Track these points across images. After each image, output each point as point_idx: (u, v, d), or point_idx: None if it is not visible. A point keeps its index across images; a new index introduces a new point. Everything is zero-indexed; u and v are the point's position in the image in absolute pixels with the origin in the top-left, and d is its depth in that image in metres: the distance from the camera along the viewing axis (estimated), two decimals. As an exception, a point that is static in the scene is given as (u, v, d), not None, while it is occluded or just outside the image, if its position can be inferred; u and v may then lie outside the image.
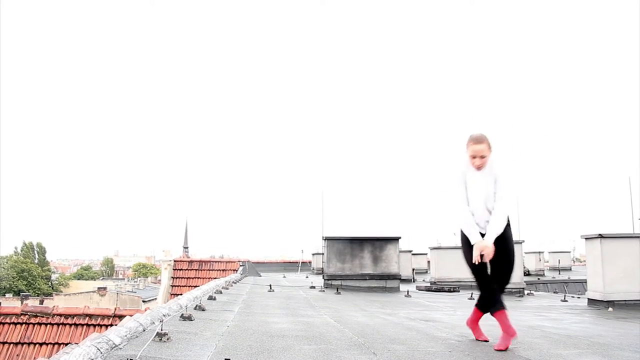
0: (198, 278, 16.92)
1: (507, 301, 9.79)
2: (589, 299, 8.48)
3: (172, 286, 16.93)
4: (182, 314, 4.25)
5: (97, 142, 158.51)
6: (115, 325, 3.39)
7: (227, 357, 2.66)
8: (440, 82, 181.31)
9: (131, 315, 3.83)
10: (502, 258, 3.65)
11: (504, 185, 3.64)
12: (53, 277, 70.91)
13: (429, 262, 19.27)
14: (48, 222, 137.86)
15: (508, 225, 3.75)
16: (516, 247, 13.11)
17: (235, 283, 10.84)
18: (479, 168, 3.66)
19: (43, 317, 9.39)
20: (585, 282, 9.74)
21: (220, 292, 7.49)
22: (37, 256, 68.97)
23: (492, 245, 3.56)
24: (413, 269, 17.98)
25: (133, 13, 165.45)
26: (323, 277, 11.72)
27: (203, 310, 5.00)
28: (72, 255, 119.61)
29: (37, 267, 63.41)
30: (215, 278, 12.81)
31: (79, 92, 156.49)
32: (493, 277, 3.68)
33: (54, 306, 9.88)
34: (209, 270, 17.64)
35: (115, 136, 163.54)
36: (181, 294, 6.88)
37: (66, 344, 7.01)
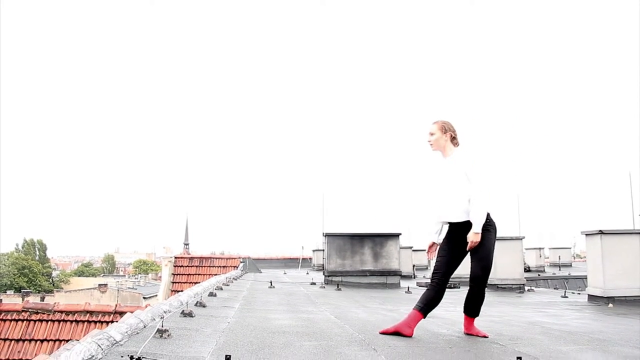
0: (199, 275, 16.88)
1: (508, 297, 9.73)
2: (589, 295, 8.49)
3: (173, 283, 16.92)
4: (183, 311, 4.25)
5: (98, 140, 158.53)
6: (116, 321, 3.39)
7: (228, 354, 2.66)
8: (440, 80, 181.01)
9: (132, 312, 3.84)
10: (475, 259, 3.88)
11: (473, 177, 3.88)
12: (54, 274, 71.05)
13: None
14: (49, 219, 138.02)
15: (487, 229, 3.87)
16: (516, 243, 12.88)
17: (235, 279, 10.85)
18: (431, 146, 4.09)
19: (44, 313, 9.41)
20: (586, 278, 9.75)
21: (221, 289, 7.50)
22: (37, 253, 69.09)
23: (475, 236, 3.80)
24: (414, 265, 17.98)
25: (133, 13, 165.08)
26: (323, 274, 11.73)
27: (204, 306, 5.01)
28: (72, 252, 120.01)
29: (38, 264, 63.52)
30: (215, 274, 12.82)
31: (80, 90, 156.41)
32: (471, 275, 3.91)
33: (54, 303, 9.90)
34: (209, 266, 17.62)
35: (116, 133, 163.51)
36: (182, 291, 6.89)
37: (67, 341, 7.03)
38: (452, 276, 4.01)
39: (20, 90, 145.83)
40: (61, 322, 9.38)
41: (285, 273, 17.36)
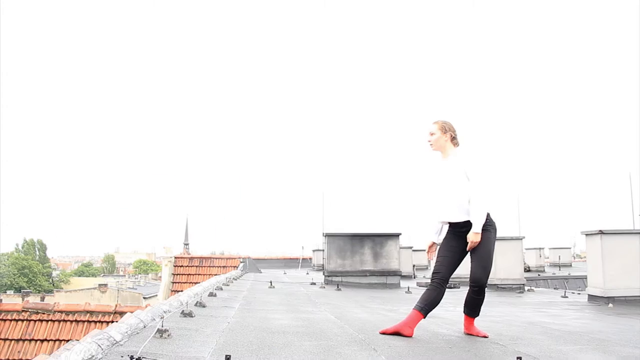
0: (199, 275, 16.86)
1: (508, 297, 9.73)
2: (589, 295, 8.49)
3: (173, 283, 16.91)
4: (183, 311, 4.25)
5: (98, 140, 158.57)
6: (116, 321, 3.39)
7: (228, 354, 2.66)
8: (441, 79, 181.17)
9: (132, 312, 3.84)
10: (475, 259, 3.90)
11: (473, 176, 3.92)
12: (54, 273, 71.04)
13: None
14: (49, 218, 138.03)
15: (487, 229, 3.90)
16: (516, 243, 12.90)
17: (235, 279, 10.85)
18: (431, 146, 4.13)
19: (44, 313, 9.41)
20: (586, 278, 9.74)
21: (221, 289, 7.51)
22: (38, 253, 69.07)
23: (475, 236, 3.84)
24: (414, 265, 17.98)
25: (133, 13, 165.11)
26: (323, 274, 11.73)
27: (204, 306, 5.01)
28: (73, 252, 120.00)
29: (38, 264, 63.52)
30: (215, 275, 12.81)
31: (81, 90, 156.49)
32: (471, 275, 3.91)
33: (54, 303, 9.90)
34: (209, 267, 17.59)
35: (117, 133, 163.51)
36: (182, 291, 6.89)
37: (67, 341, 7.03)
38: (452, 276, 4.02)
39: (21, 89, 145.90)
40: (61, 322, 9.38)
41: (285, 273, 17.36)
